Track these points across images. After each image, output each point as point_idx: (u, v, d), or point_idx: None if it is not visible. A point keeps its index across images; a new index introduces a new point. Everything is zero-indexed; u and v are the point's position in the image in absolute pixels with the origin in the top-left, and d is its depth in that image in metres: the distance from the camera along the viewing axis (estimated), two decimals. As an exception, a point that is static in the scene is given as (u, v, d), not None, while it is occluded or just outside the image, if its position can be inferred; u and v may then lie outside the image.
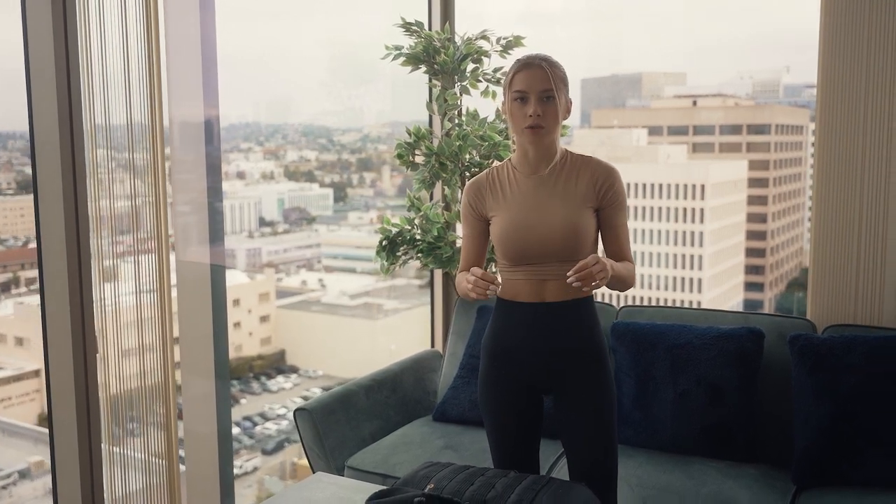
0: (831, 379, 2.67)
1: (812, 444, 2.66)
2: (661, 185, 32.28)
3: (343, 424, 3.12)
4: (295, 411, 3.07)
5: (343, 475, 2.97)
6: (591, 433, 2.25)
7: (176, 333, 2.80)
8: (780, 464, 2.79)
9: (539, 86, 2.15)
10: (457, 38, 3.58)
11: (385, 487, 2.11)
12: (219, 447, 3.03)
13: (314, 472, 2.95)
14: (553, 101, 2.16)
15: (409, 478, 2.16)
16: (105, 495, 2.60)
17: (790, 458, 2.74)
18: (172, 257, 2.75)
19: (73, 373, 2.45)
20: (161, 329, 2.64)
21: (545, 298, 2.22)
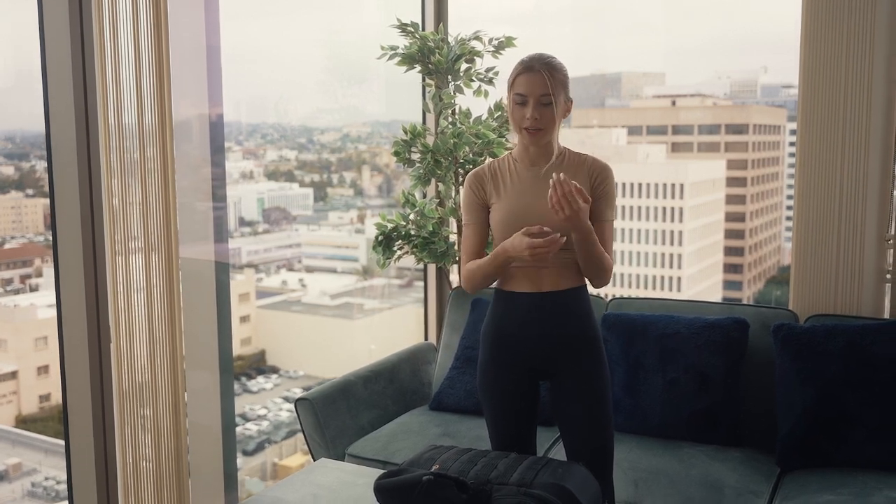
0: (813, 366, 2.78)
1: (795, 428, 2.77)
2: (640, 185, 32.40)
3: (343, 413, 3.20)
4: (296, 401, 3.15)
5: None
6: (589, 419, 2.34)
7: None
8: (765, 447, 2.91)
9: (538, 91, 2.23)
10: (450, 39, 3.68)
11: (391, 469, 2.20)
12: (223, 440, 3.09)
13: (315, 461, 3.03)
14: (550, 106, 2.25)
15: (414, 459, 2.24)
16: (118, 483, 2.67)
17: (774, 442, 2.85)
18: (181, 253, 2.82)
19: (89, 362, 2.51)
20: (170, 323, 2.70)
21: (542, 288, 2.30)
